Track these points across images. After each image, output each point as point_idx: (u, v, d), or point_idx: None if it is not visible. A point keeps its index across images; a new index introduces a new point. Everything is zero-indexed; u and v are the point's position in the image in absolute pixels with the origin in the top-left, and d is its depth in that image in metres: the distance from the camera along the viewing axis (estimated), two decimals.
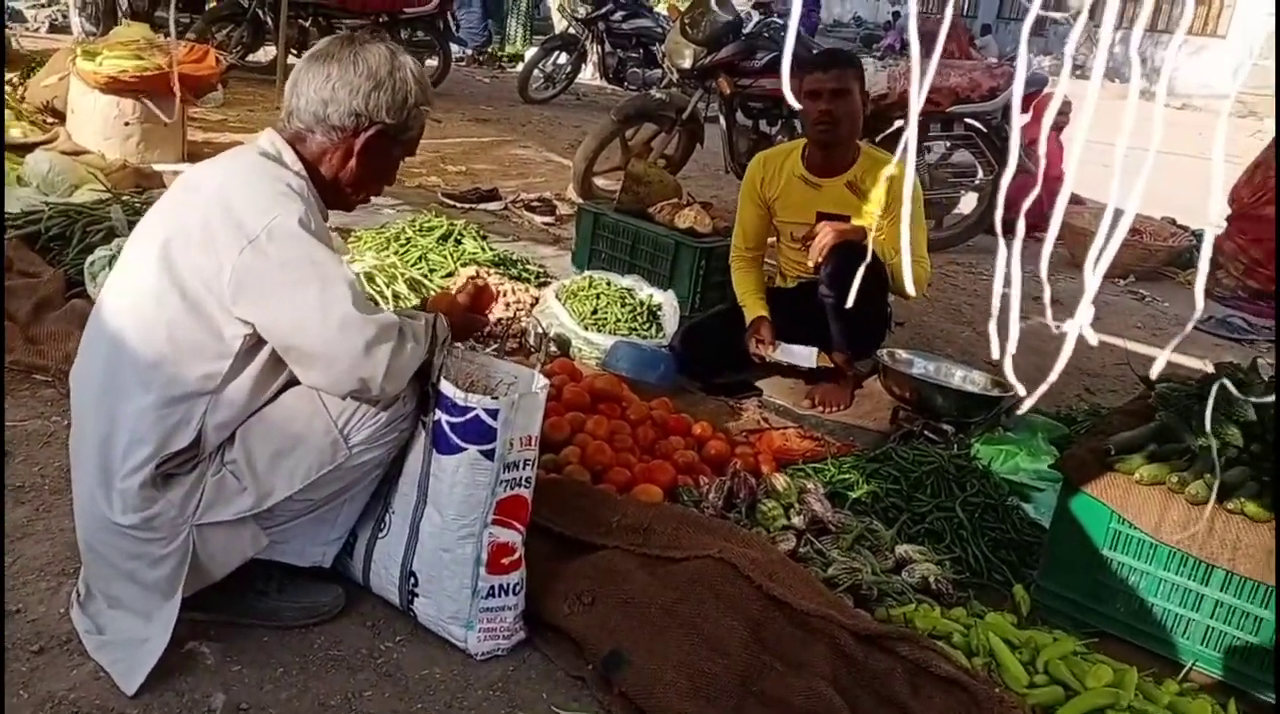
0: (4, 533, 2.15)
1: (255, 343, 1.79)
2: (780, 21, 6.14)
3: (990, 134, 5.62)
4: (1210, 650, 2.27)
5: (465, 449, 1.90)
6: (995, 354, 0.81)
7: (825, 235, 3.22)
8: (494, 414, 1.88)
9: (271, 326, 1.77)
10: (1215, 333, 5.44)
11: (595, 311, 3.74)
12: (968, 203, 6.21)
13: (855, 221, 3.43)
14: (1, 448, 2.45)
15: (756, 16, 6.25)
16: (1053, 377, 0.81)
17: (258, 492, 1.84)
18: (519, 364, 2.25)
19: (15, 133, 5.14)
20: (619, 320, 3.72)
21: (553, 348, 3.55)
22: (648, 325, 3.77)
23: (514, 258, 4.43)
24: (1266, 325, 5.60)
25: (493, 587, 1.98)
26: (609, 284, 3.89)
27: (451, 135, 7.64)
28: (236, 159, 1.92)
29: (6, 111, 5.31)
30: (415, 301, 3.71)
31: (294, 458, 1.85)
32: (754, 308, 3.61)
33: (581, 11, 10.28)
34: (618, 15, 10.32)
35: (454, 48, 10.69)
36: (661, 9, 11.90)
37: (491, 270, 4.10)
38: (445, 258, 4.16)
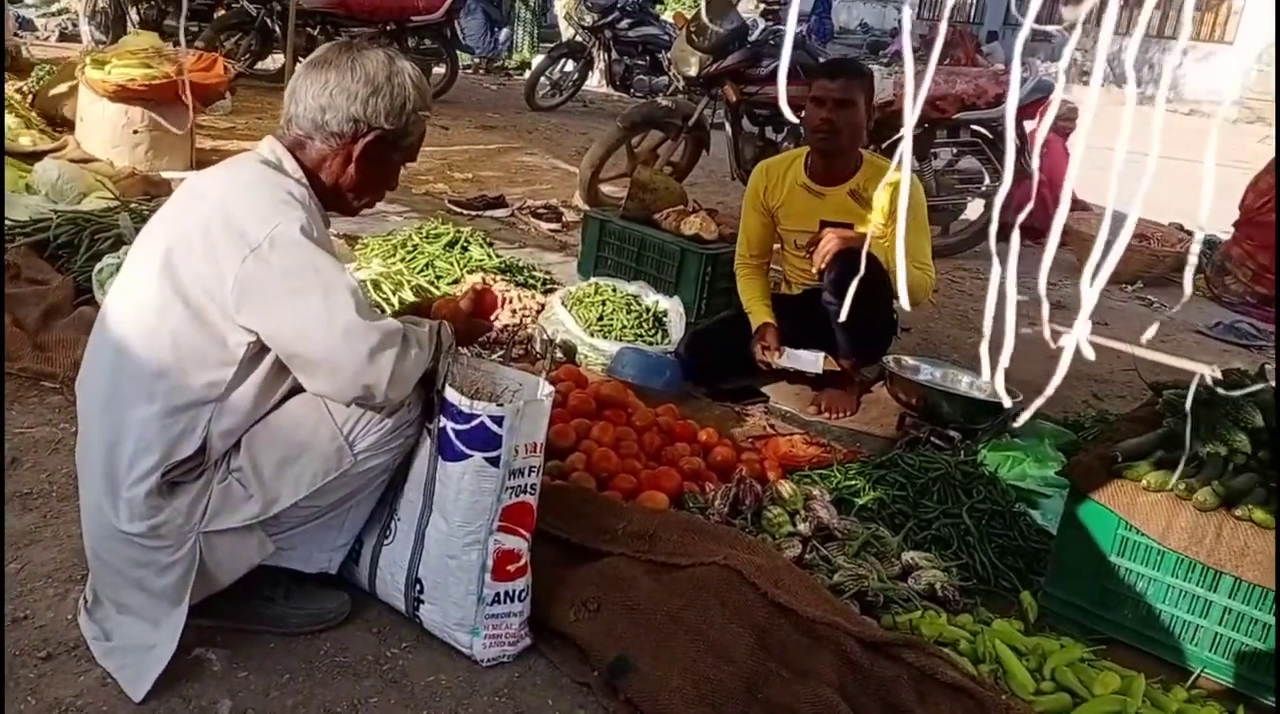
0: (3, 540, 2.16)
1: (259, 350, 1.80)
2: (781, 27, 6.15)
3: (996, 140, 5.62)
4: (1218, 657, 2.26)
5: (470, 456, 1.90)
6: (985, 371, 0.81)
7: (829, 242, 3.22)
8: (499, 421, 1.89)
9: (275, 334, 1.77)
10: (1223, 338, 5.42)
11: (601, 318, 3.74)
12: (974, 209, 6.21)
13: (859, 229, 3.43)
14: (1, 455, 2.46)
15: (763, 24, 6.26)
16: (1049, 390, 0.82)
17: (264, 499, 1.84)
18: (525, 371, 2.25)
19: (25, 140, 5.17)
20: (625, 327, 3.73)
21: (558, 354, 3.56)
22: (653, 332, 3.78)
23: (520, 264, 4.45)
24: (1275, 331, 5.58)
25: (498, 593, 1.98)
26: (615, 290, 3.90)
27: (458, 142, 7.67)
28: (237, 167, 1.92)
29: (17, 120, 5.35)
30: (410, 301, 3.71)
31: (300, 465, 1.86)
32: (760, 314, 3.62)
33: (588, 19, 10.33)
34: (624, 23, 10.36)
35: (463, 55, 10.74)
36: (668, 17, 11.92)
37: (498, 277, 4.11)
38: (452, 265, 4.18)
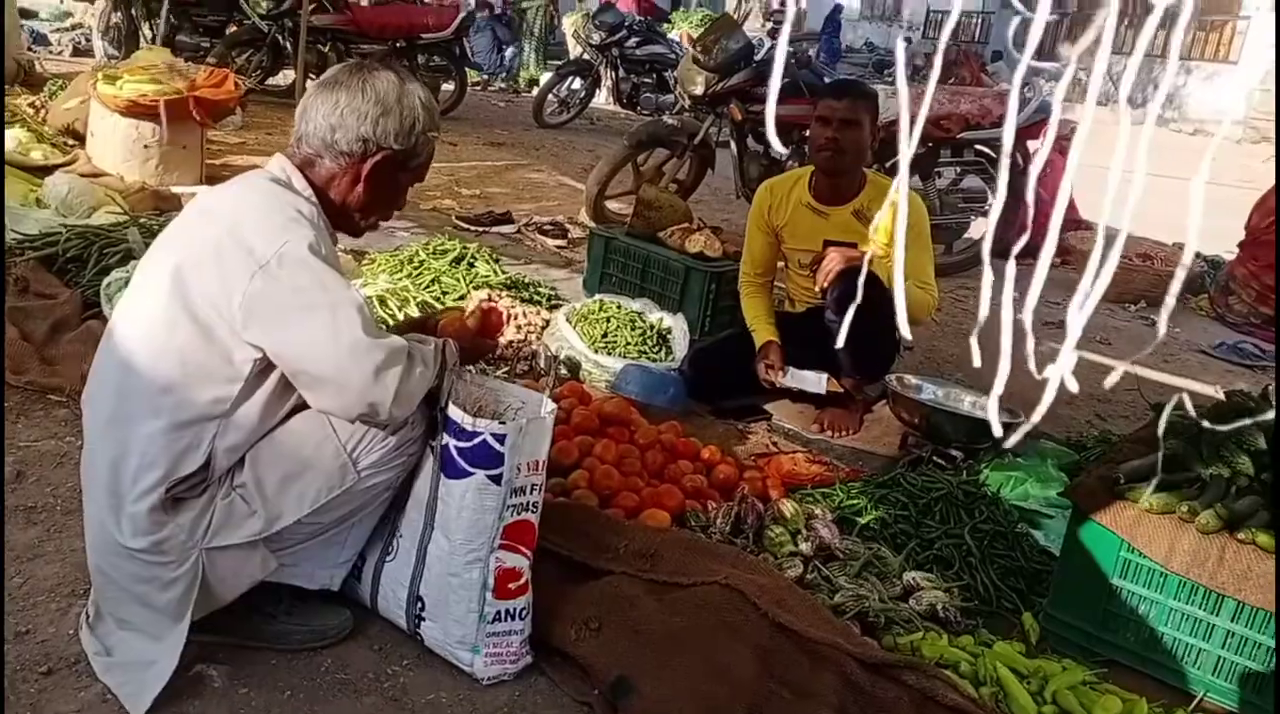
0: (3, 555, 2.17)
1: (265, 367, 1.81)
2: (791, 48, 6.18)
3: (1000, 160, 5.63)
4: (1221, 681, 2.25)
5: (472, 474, 1.91)
6: (991, 400, 0.81)
7: (832, 261, 3.23)
8: (501, 439, 1.89)
9: (282, 351, 1.78)
10: (1227, 359, 5.41)
11: (605, 335, 3.75)
12: (978, 228, 6.22)
13: (861, 248, 3.45)
14: (1, 466, 2.47)
15: (768, 43, 6.29)
16: (1035, 417, 0.82)
17: (267, 515, 1.85)
18: (529, 387, 2.26)
19: (36, 155, 5.21)
20: (629, 344, 3.74)
21: (562, 371, 3.57)
22: (657, 349, 3.79)
23: (526, 281, 4.46)
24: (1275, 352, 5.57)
25: (499, 611, 1.99)
26: (619, 307, 3.91)
27: (466, 159, 7.71)
28: (247, 184, 1.93)
29: (28, 134, 5.39)
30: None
31: (303, 481, 1.86)
32: (763, 332, 3.63)
33: (596, 38, 10.39)
34: (631, 41, 10.41)
35: (471, 72, 10.80)
36: (675, 35, 11.99)
37: (503, 293, 4.13)
38: (458, 280, 4.20)
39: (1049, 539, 2.80)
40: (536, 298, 4.31)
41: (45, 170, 4.88)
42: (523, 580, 2.02)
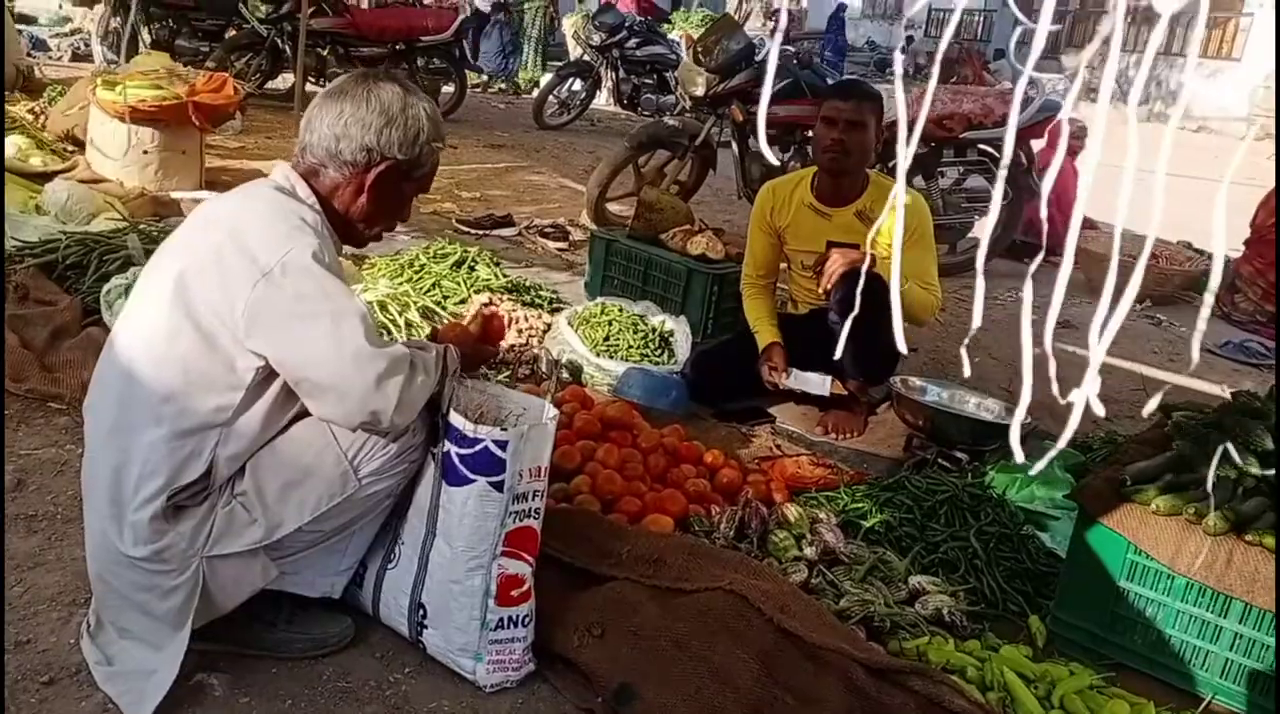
0: (2, 563, 2.16)
1: (267, 375, 1.80)
2: (792, 49, 6.17)
3: (1001, 161, 5.61)
4: (1229, 683, 2.23)
5: (474, 481, 1.90)
6: (1014, 423, 0.79)
7: (835, 263, 3.22)
8: (503, 445, 1.88)
9: (284, 359, 1.78)
10: (1233, 358, 5.39)
11: (607, 338, 3.74)
12: (981, 227, 6.21)
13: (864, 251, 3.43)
14: (1, 475, 2.46)
15: (769, 43, 6.28)
16: (1061, 443, 0.80)
17: (268, 523, 1.84)
18: (530, 392, 2.25)
19: (35, 161, 5.21)
20: (631, 347, 3.72)
21: (564, 374, 3.56)
22: (660, 352, 3.77)
23: (527, 284, 4.45)
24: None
25: (502, 618, 1.97)
26: (621, 310, 3.90)
27: (466, 161, 7.70)
28: (251, 193, 1.94)
29: (28, 140, 5.39)
30: (428, 330, 3.72)
31: (304, 489, 1.86)
32: (766, 334, 3.61)
33: (596, 39, 10.38)
34: (632, 42, 10.41)
35: (471, 74, 10.80)
36: (675, 36, 11.98)
37: (504, 296, 4.11)
38: (459, 284, 4.18)
39: (1055, 541, 2.78)
40: (538, 301, 4.30)
41: (45, 177, 4.88)
42: (525, 587, 2.00)
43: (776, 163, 5.55)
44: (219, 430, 1.79)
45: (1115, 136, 0.78)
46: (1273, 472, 2.30)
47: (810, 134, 5.62)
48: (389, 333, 3.66)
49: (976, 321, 0.78)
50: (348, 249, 2.11)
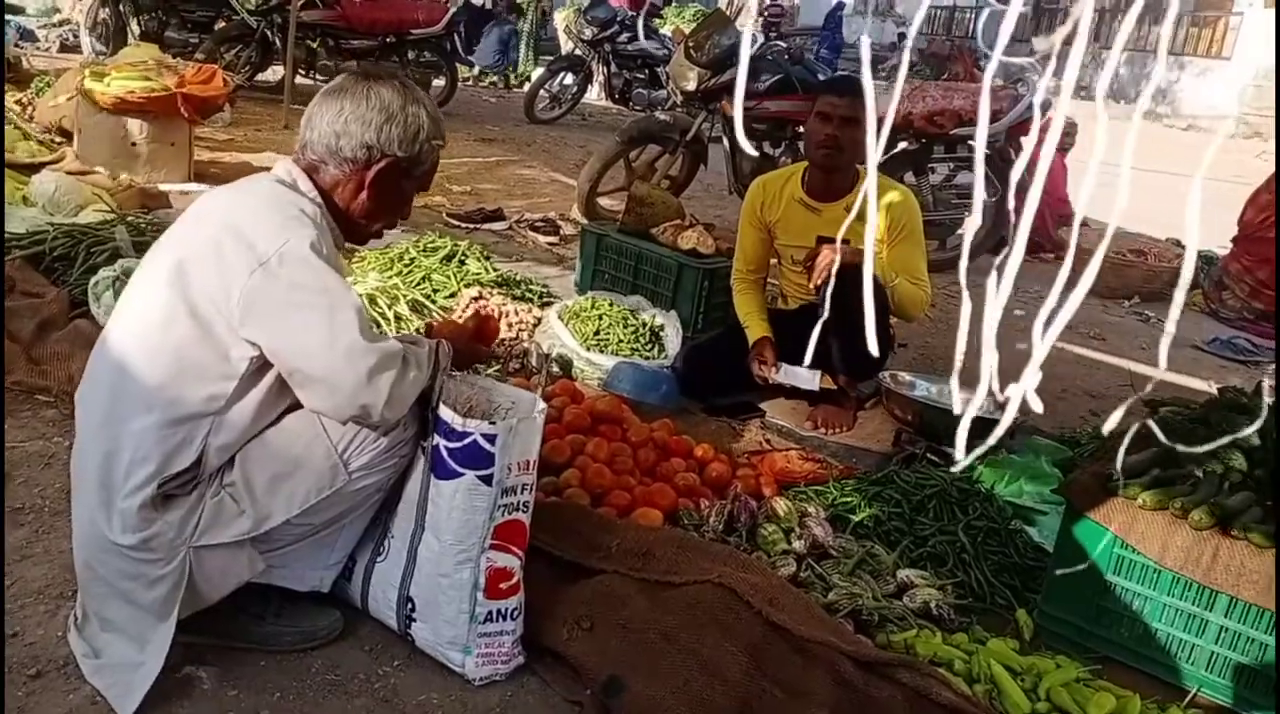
0: (3, 557, 2.15)
1: (261, 366, 1.80)
2: (783, 44, 6.17)
3: (994, 156, 5.63)
4: (1215, 676, 2.25)
5: (463, 474, 1.89)
6: (982, 389, 0.80)
7: (825, 258, 3.22)
8: (492, 439, 1.88)
9: (278, 349, 1.78)
10: (1220, 355, 5.42)
11: (597, 332, 3.74)
12: (971, 224, 6.22)
13: (855, 245, 3.44)
14: (1, 473, 2.45)
15: (761, 39, 6.28)
16: (991, 440, 0.81)
17: (256, 515, 1.84)
18: (521, 385, 2.25)
19: (22, 152, 5.18)
20: (621, 341, 3.72)
21: (554, 369, 3.55)
22: (650, 346, 3.77)
23: (517, 278, 4.44)
24: (1272, 347, 5.58)
25: (490, 612, 1.97)
26: (611, 305, 3.90)
27: (457, 155, 7.67)
28: (251, 184, 1.95)
29: (15, 131, 5.35)
30: (418, 324, 3.72)
31: (293, 482, 1.85)
32: (756, 329, 3.61)
33: (588, 33, 10.36)
34: (623, 37, 10.39)
35: (464, 67, 10.77)
36: (667, 31, 11.96)
37: (494, 291, 4.11)
38: (449, 278, 4.17)
39: (1043, 535, 2.80)
40: (528, 295, 4.29)
41: (32, 168, 4.84)
42: (514, 580, 2.01)
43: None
44: (211, 419, 1.79)
45: (1090, 130, 0.78)
46: (1260, 469, 2.31)
47: (801, 130, 5.63)
48: (378, 326, 3.65)
49: (961, 347, 0.78)
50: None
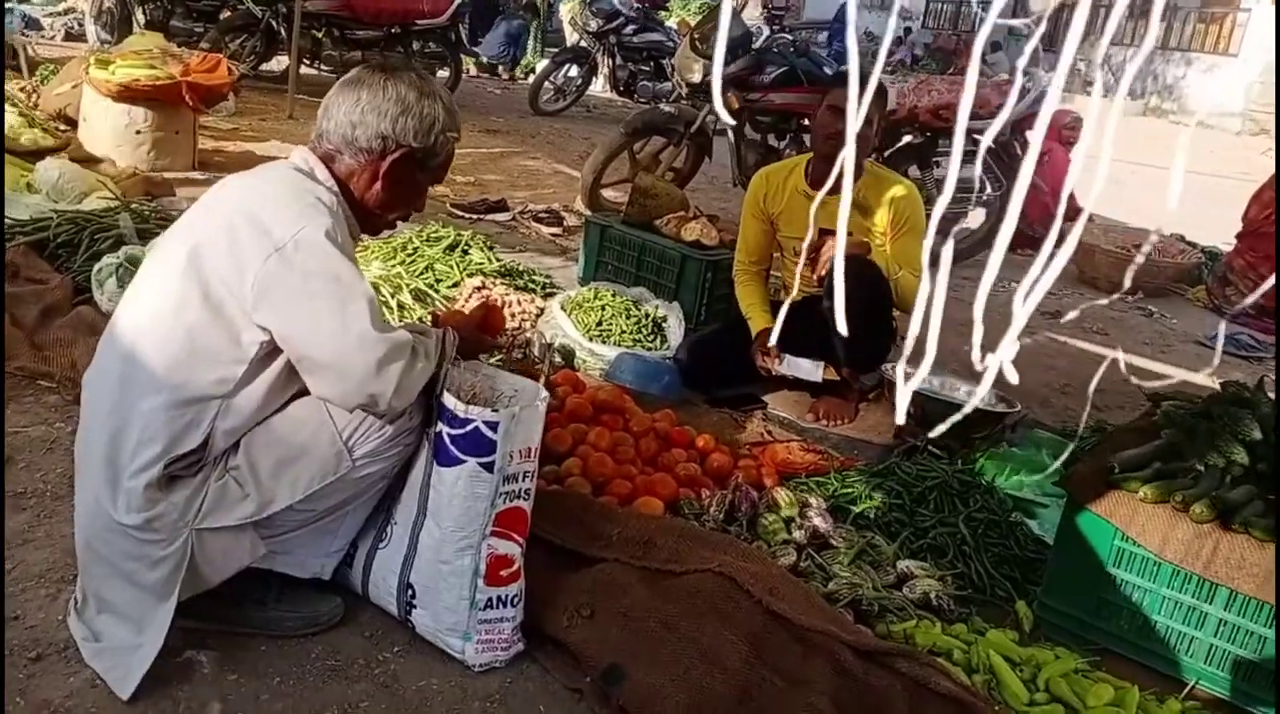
0: (2, 542, 2.15)
1: (271, 351, 1.81)
2: (789, 37, 6.16)
3: (998, 150, 5.63)
4: (1214, 669, 2.25)
5: (465, 461, 1.90)
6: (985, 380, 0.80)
7: (830, 249, 3.22)
8: (494, 426, 1.88)
9: (288, 335, 1.78)
10: (1223, 350, 5.41)
11: (600, 323, 3.74)
12: (975, 217, 6.21)
13: (859, 238, 3.43)
14: (1, 452, 2.45)
15: (766, 31, 6.27)
16: (965, 410, 0.81)
17: (260, 499, 1.84)
18: (523, 375, 2.25)
19: (27, 139, 5.18)
20: (624, 332, 3.72)
21: (557, 359, 3.56)
22: (653, 337, 3.77)
23: (521, 268, 4.44)
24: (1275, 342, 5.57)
25: (491, 598, 1.98)
26: (614, 296, 3.90)
27: (461, 146, 7.64)
28: (268, 172, 1.96)
29: (20, 118, 5.35)
30: (421, 313, 3.72)
31: (297, 467, 1.86)
32: (759, 320, 3.61)
33: (593, 25, 10.34)
34: (629, 29, 10.36)
35: (469, 58, 10.75)
36: (672, 23, 11.93)
37: (497, 281, 4.11)
38: (452, 268, 4.17)
39: (1043, 528, 2.80)
40: (531, 286, 4.29)
41: (37, 155, 4.84)
42: (515, 567, 2.01)
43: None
44: (219, 402, 1.80)
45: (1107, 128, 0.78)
46: (1261, 463, 2.31)
47: (805, 122, 5.63)
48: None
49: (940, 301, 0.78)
50: None
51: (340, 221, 1.86)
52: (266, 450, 1.85)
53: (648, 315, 3.85)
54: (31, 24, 10.30)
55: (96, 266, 3.41)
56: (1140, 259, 0.73)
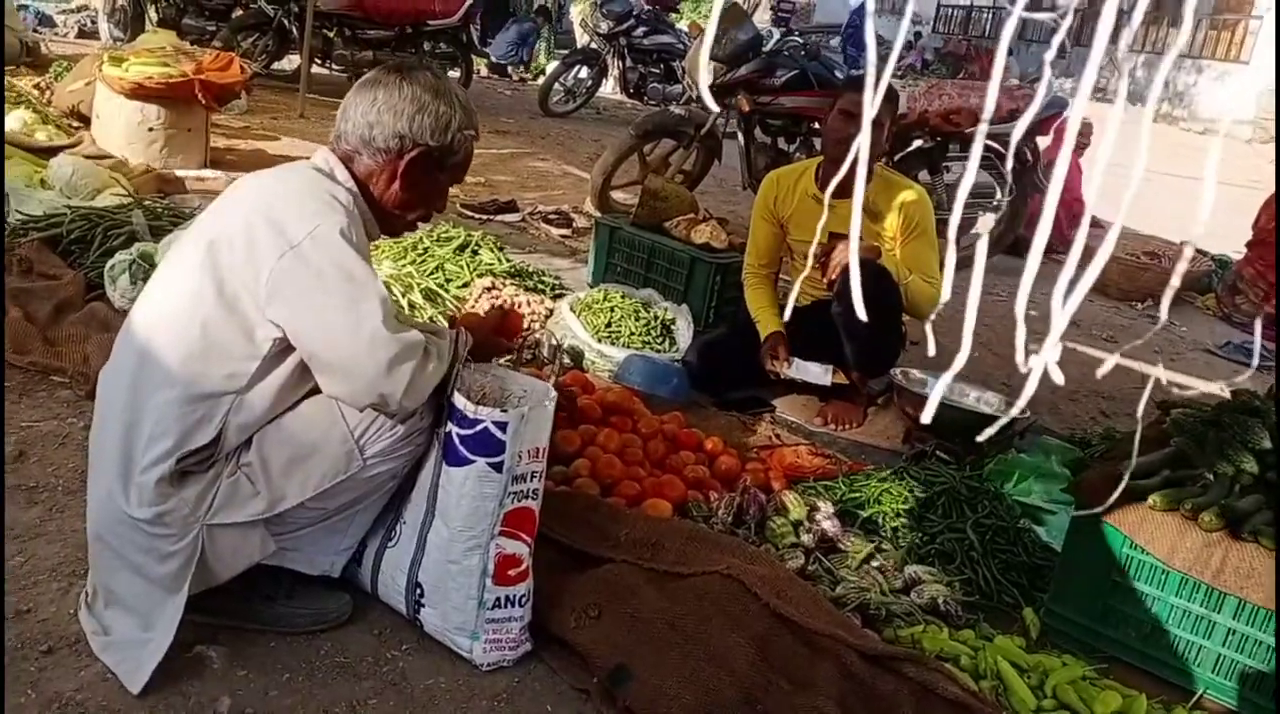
0: (3, 534, 2.17)
1: (284, 348, 1.82)
2: (799, 40, 6.16)
3: (1005, 154, 5.62)
4: (1221, 679, 2.24)
5: (474, 461, 1.90)
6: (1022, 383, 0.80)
7: (840, 253, 3.22)
8: (503, 427, 1.89)
9: (300, 332, 1.79)
10: (1233, 358, 5.40)
11: (609, 325, 3.74)
12: (986, 223, 6.20)
13: (869, 242, 3.44)
14: (1, 451, 2.47)
15: (777, 34, 6.27)
16: (1013, 411, 0.81)
17: (270, 496, 1.85)
18: (532, 376, 2.26)
19: (40, 136, 5.21)
20: (632, 334, 3.73)
21: (565, 360, 3.56)
22: (661, 339, 3.78)
23: (530, 269, 4.45)
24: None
25: (499, 598, 1.98)
26: (623, 297, 3.90)
27: None
28: (287, 171, 1.97)
29: (33, 115, 5.38)
30: (431, 312, 3.73)
31: (309, 465, 1.87)
32: (769, 323, 3.62)
33: (604, 27, 10.36)
34: (639, 31, 10.39)
35: (480, 59, 10.77)
36: (683, 26, 11.95)
37: (507, 281, 4.12)
38: (462, 268, 4.19)
39: (1051, 535, 2.80)
40: (540, 287, 4.30)
41: (50, 152, 4.87)
42: (523, 567, 2.01)
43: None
44: (232, 398, 1.80)
45: (1124, 134, 0.78)
46: (1271, 471, 2.31)
47: (816, 126, 5.63)
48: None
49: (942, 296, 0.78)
50: None
51: (356, 221, 1.87)
52: (278, 448, 1.86)
53: (656, 317, 3.86)
54: (45, 21, 10.35)
55: (109, 263, 3.43)
56: (1176, 283, 0.73)
